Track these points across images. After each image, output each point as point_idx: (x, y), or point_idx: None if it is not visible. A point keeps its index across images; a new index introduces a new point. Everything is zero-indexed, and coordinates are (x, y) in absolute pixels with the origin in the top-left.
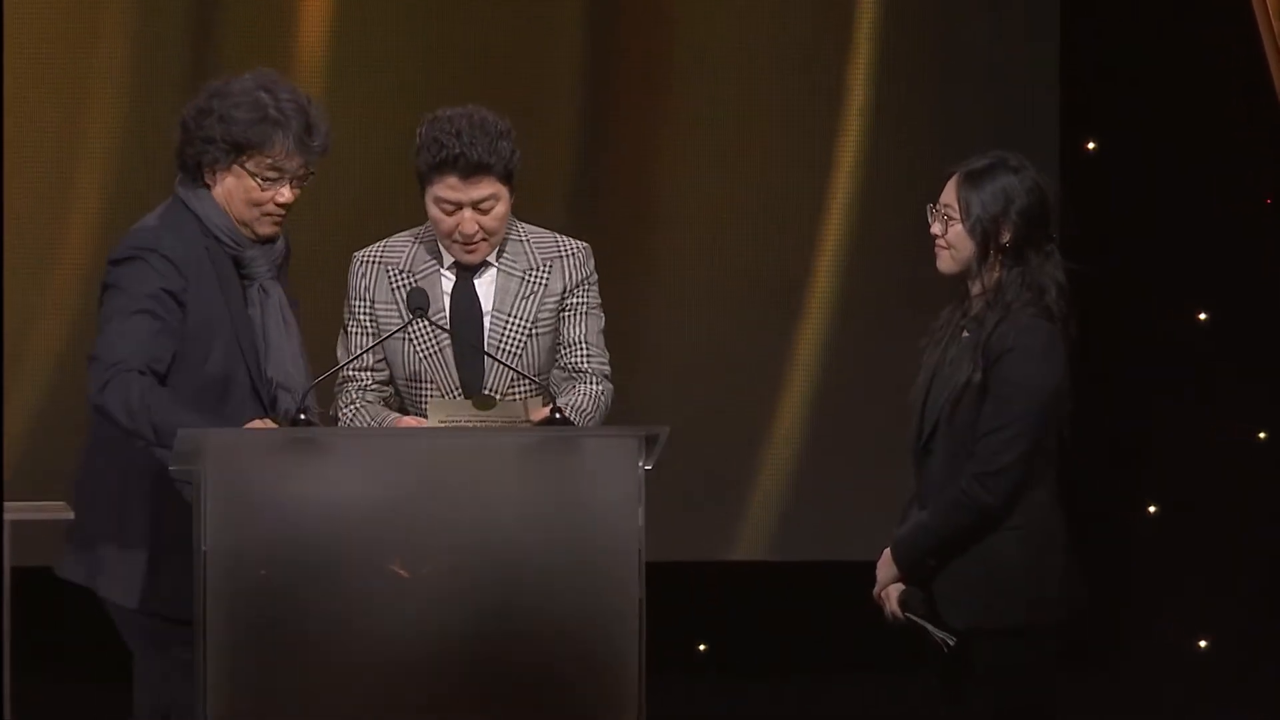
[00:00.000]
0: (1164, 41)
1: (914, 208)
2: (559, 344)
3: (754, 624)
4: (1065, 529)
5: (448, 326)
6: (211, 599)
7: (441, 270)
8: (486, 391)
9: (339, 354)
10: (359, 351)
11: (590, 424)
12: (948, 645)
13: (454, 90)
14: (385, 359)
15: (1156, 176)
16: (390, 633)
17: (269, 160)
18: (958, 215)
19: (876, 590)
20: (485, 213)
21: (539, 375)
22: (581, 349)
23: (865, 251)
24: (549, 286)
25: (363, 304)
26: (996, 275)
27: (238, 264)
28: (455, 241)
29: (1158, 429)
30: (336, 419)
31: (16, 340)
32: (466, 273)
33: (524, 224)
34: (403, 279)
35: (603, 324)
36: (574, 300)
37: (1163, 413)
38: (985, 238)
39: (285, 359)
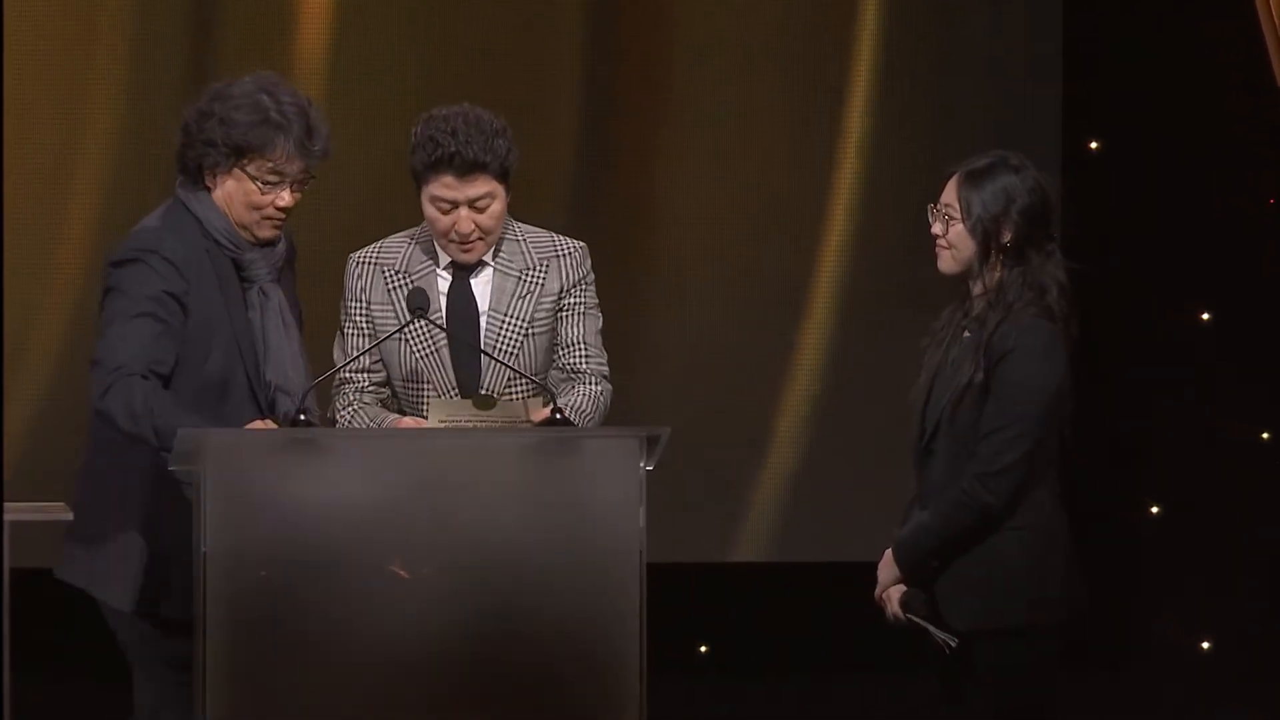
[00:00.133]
0: (1166, 40)
1: (915, 208)
2: (557, 345)
3: (754, 625)
4: (1067, 529)
5: (445, 326)
6: (211, 600)
7: (438, 270)
8: (484, 391)
9: (335, 356)
10: (356, 353)
11: (589, 425)
12: (949, 647)
13: (455, 90)
14: (382, 360)
15: (1158, 175)
16: (390, 633)
17: (270, 164)
18: (958, 215)
19: (878, 592)
20: (481, 211)
21: (536, 375)
22: (580, 350)
23: (866, 251)
24: (545, 286)
25: (359, 305)
26: (998, 275)
27: (238, 266)
28: (451, 241)
29: (1159, 429)
30: (334, 421)
31: (16, 340)
32: (463, 272)
33: (520, 224)
34: (399, 280)
35: (600, 324)
36: (571, 300)
37: (1164, 413)
38: (986, 237)
39: (284, 362)
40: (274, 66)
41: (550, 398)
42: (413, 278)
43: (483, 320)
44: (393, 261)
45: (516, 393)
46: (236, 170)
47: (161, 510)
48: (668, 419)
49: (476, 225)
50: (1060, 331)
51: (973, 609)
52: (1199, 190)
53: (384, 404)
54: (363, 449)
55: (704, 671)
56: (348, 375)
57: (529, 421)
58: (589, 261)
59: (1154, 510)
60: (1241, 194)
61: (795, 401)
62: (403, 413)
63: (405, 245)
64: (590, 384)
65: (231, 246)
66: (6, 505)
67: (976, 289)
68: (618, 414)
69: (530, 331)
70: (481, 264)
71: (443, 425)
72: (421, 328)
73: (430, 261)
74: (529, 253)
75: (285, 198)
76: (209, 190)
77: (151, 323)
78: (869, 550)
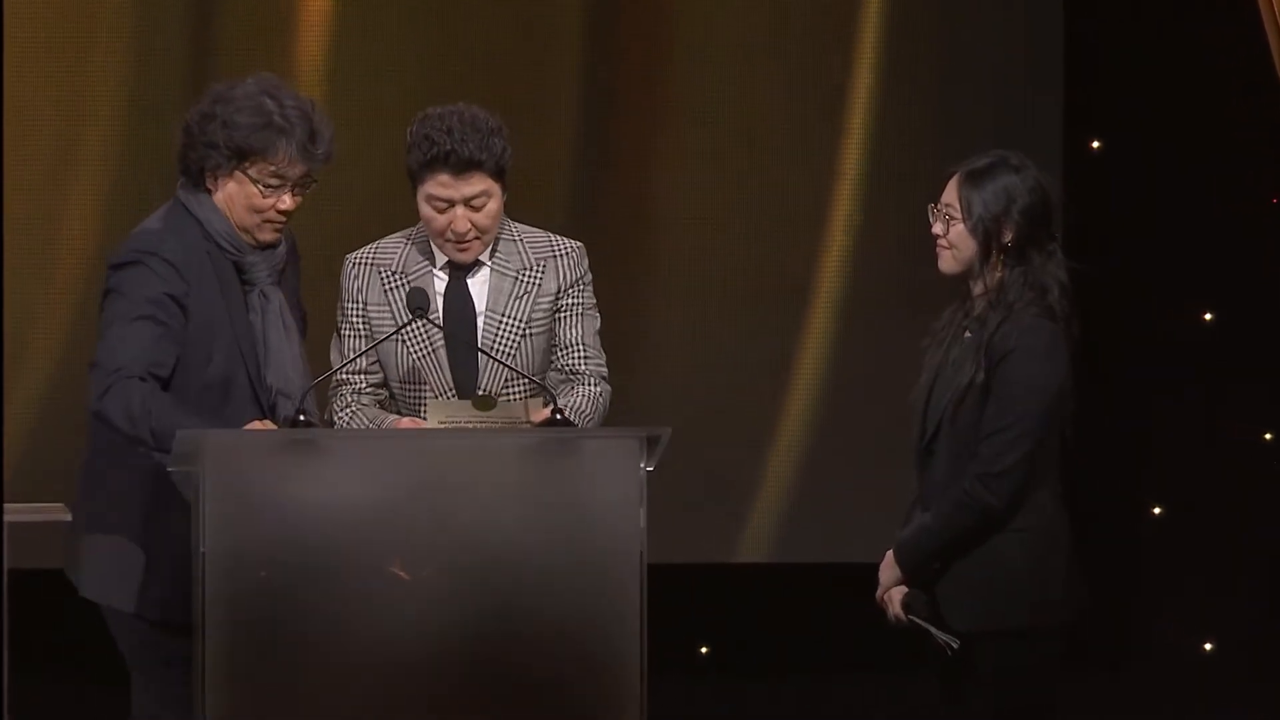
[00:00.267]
0: (1167, 41)
1: (915, 207)
2: (555, 345)
3: (755, 626)
4: (1069, 531)
5: (442, 326)
6: (211, 600)
7: (434, 271)
8: (482, 392)
9: (333, 358)
10: (353, 355)
11: (589, 425)
12: (951, 648)
13: (455, 91)
14: (379, 361)
15: (1159, 176)
16: (390, 633)
17: (271, 167)
18: (959, 215)
19: (879, 593)
20: (477, 210)
21: (534, 375)
22: (578, 350)
23: (866, 251)
24: (543, 286)
25: (355, 306)
26: (998, 275)
27: (239, 269)
28: (448, 240)
29: (1161, 429)
30: (332, 423)
31: (16, 340)
32: (459, 273)
33: (517, 224)
34: (395, 280)
35: (599, 325)
36: (569, 301)
37: (1166, 413)
38: (987, 237)
39: (285, 364)
40: (274, 66)
41: (550, 398)
42: (409, 278)
43: (480, 320)
44: (389, 262)
45: (514, 393)
46: (238, 173)
47: (161, 511)
48: (668, 419)
49: (473, 224)
50: (1061, 331)
51: (974, 610)
52: (1200, 190)
53: (381, 405)
54: (362, 450)
55: (705, 672)
56: (345, 377)
57: (529, 422)
58: (586, 261)
59: (1155, 511)
60: (1242, 194)
61: (796, 401)
62: (400, 414)
63: (401, 246)
64: (589, 385)
65: (232, 249)
66: (6, 506)
67: (977, 289)
68: (618, 414)
69: (527, 332)
70: (478, 264)
71: (442, 426)
72: (418, 328)
73: (426, 262)
74: (526, 253)
75: (287, 201)
76: (210, 192)
77: (151, 325)
78: (870, 551)
